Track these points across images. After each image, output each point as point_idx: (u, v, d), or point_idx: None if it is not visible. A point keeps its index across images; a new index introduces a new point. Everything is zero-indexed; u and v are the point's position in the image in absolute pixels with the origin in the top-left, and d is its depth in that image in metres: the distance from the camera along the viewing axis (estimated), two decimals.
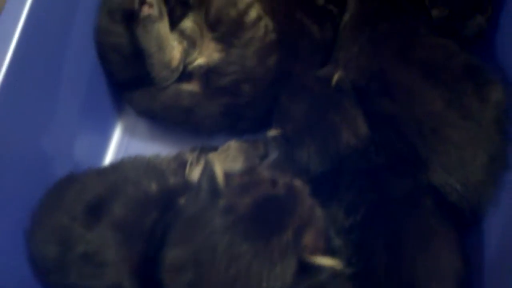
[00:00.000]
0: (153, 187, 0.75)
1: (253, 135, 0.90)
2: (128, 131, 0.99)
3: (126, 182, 0.75)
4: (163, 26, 0.82)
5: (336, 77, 0.80)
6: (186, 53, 0.83)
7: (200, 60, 0.84)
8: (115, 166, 0.81)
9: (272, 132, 0.80)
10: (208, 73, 0.83)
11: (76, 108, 0.89)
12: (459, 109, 0.76)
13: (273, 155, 0.84)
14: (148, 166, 0.80)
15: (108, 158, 0.98)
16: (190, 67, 0.84)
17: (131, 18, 0.84)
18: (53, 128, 0.83)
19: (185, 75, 0.84)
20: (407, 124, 0.77)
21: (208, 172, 0.66)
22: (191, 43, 0.83)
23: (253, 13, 0.84)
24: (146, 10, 0.79)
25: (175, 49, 0.83)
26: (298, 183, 0.68)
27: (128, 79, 0.88)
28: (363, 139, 0.79)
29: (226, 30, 0.84)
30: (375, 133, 0.79)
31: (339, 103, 0.79)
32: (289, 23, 0.86)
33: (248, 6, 0.84)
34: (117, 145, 0.98)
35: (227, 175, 0.68)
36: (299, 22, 0.86)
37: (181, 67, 0.83)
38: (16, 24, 0.72)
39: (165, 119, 0.89)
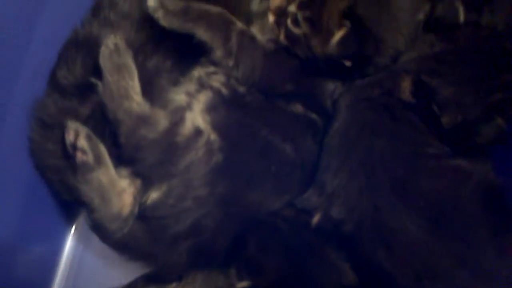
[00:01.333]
0: None
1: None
2: (83, 240, 0.86)
3: None
4: (104, 172, 0.68)
5: (316, 219, 0.66)
6: (140, 194, 0.67)
7: (154, 194, 0.68)
8: None
9: (241, 285, 0.66)
10: (159, 219, 0.67)
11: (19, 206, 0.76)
12: (471, 268, 0.60)
13: None
14: None
15: (60, 270, 0.86)
16: (143, 207, 0.68)
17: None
18: None
19: (142, 216, 0.69)
20: (404, 283, 0.62)
21: None
22: (147, 179, 0.68)
23: (186, 128, 0.68)
24: (80, 157, 0.65)
25: (125, 193, 0.68)
26: None
27: (74, 201, 0.73)
28: None
29: (152, 159, 0.67)
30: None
31: (320, 252, 0.65)
32: (248, 141, 0.70)
33: (177, 121, 0.68)
34: (70, 256, 0.87)
35: None
36: (263, 141, 0.70)
37: (136, 210, 0.69)
38: None
39: (123, 255, 0.74)
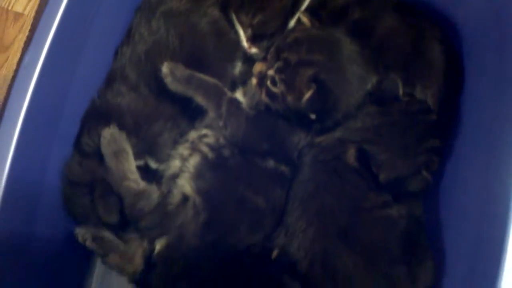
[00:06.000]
0: None
1: None
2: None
3: None
4: (114, 255, 0.90)
5: (275, 253, 0.88)
6: (148, 248, 0.89)
7: (157, 246, 0.90)
8: None
9: None
10: (163, 264, 0.89)
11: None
12: None
13: None
14: None
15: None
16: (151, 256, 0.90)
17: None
18: None
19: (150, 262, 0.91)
20: None
21: None
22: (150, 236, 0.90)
23: (175, 197, 0.88)
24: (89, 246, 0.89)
25: (135, 256, 0.90)
26: None
27: None
28: None
29: (151, 224, 0.88)
30: None
31: (277, 277, 0.87)
32: (227, 199, 0.89)
33: (167, 193, 0.89)
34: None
35: None
36: (239, 196, 0.89)
37: (145, 265, 0.90)
38: None
39: None
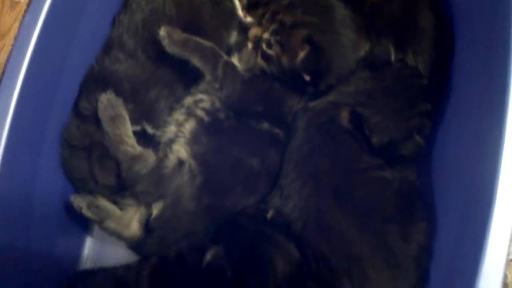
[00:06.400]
0: None
1: None
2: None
3: None
4: (110, 222, 0.92)
5: (270, 214, 0.89)
6: (145, 214, 0.91)
7: (154, 211, 0.91)
8: None
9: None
10: (160, 229, 0.91)
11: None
12: (384, 253, 0.86)
13: None
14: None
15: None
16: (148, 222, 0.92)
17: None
18: None
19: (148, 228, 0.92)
20: (338, 264, 0.87)
21: None
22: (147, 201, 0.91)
23: (171, 161, 0.90)
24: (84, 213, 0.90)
25: (132, 222, 0.92)
26: None
27: None
28: (297, 264, 0.88)
29: (147, 187, 0.90)
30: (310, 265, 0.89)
31: (272, 237, 0.88)
32: (222, 162, 0.91)
33: (162, 157, 0.91)
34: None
35: None
36: (234, 159, 0.91)
37: (143, 231, 0.92)
38: None
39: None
